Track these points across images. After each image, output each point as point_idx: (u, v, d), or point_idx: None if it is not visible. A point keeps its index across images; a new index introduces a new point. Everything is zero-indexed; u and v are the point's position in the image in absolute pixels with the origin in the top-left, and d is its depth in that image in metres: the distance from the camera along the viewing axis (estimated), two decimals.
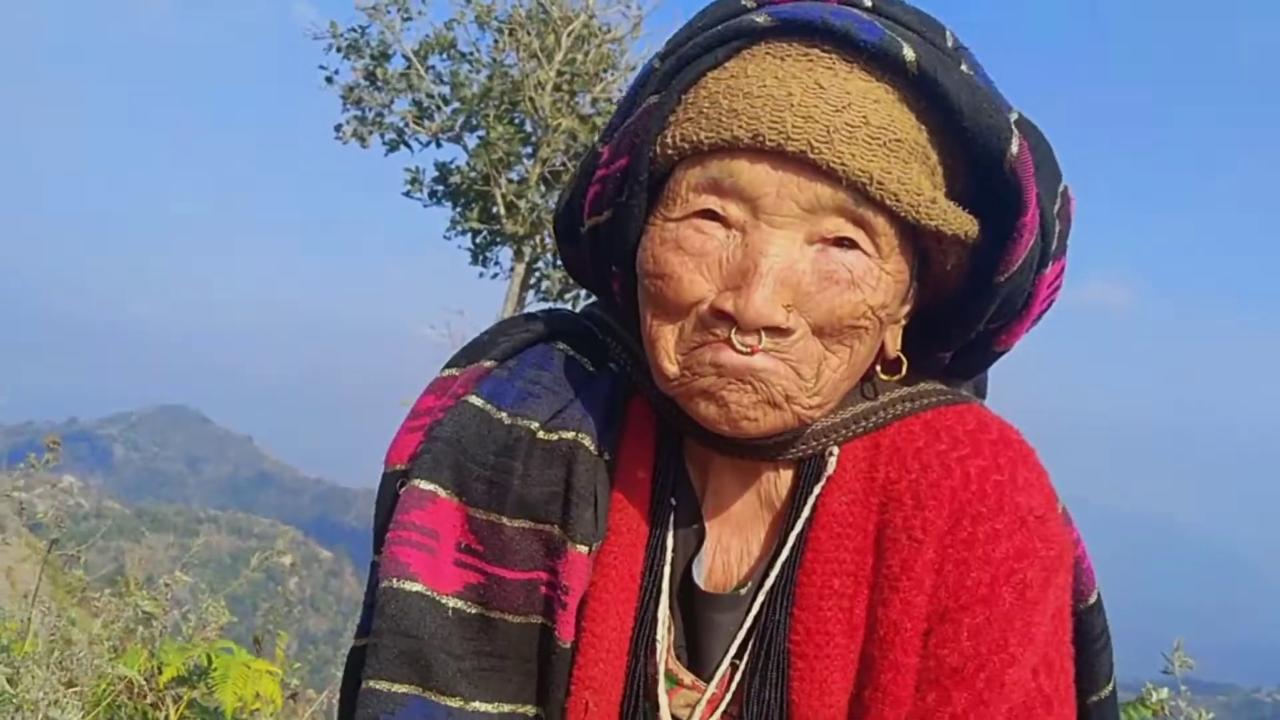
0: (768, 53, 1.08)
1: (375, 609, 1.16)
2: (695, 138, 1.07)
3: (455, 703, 1.16)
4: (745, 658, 1.18)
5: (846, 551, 1.16)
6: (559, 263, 13.91)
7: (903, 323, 1.19)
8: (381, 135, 13.76)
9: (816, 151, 1.02)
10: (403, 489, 1.20)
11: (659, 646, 1.20)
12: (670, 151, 1.10)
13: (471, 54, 13.56)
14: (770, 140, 1.03)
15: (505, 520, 1.18)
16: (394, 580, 1.16)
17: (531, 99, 12.94)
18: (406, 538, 1.17)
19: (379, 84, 13.52)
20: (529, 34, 12.97)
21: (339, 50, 13.41)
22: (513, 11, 13.17)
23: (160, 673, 3.82)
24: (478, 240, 14.20)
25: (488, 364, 1.27)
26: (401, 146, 13.80)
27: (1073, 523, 1.25)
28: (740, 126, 1.04)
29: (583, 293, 13.54)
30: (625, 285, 1.20)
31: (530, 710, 1.21)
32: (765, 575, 1.19)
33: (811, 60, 1.06)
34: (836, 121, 1.02)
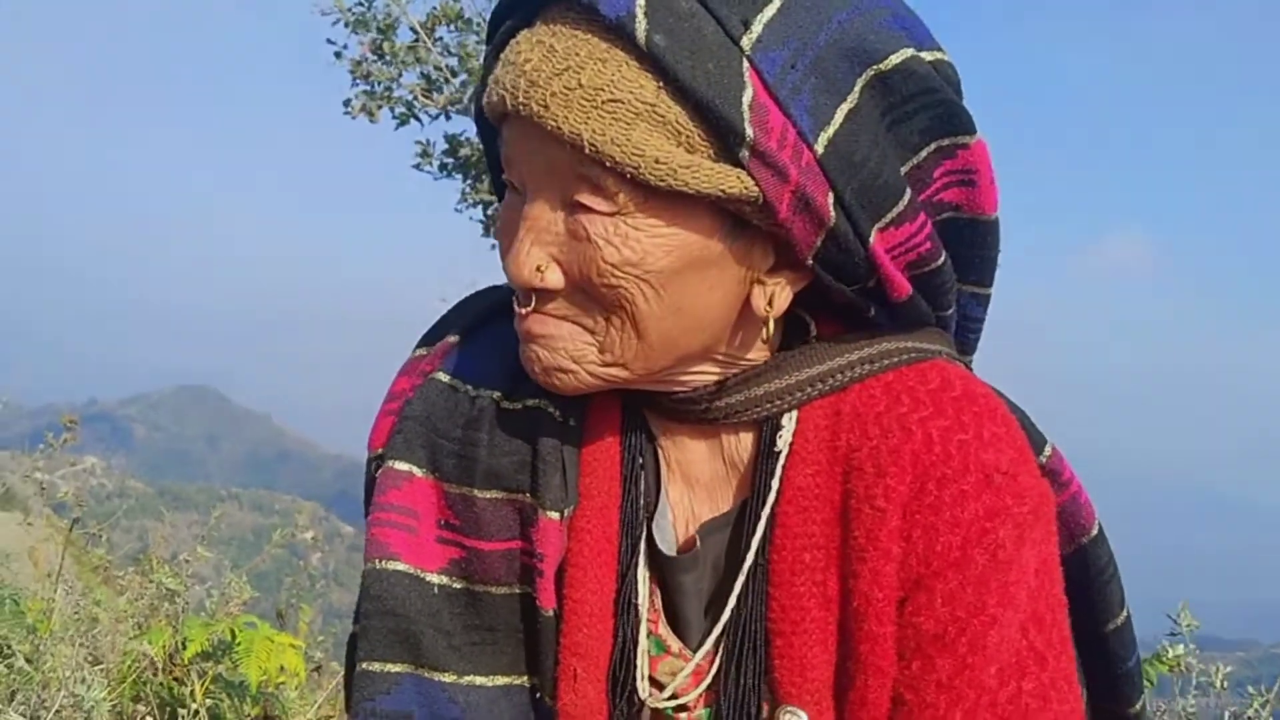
0: (542, 20, 1.07)
1: (362, 592, 1.18)
2: (485, 108, 1.11)
3: (449, 678, 1.18)
4: (716, 634, 1.18)
5: (815, 525, 1.15)
6: None
7: (777, 280, 1.13)
8: (391, 109, 13.71)
9: (539, 116, 1.02)
10: (379, 471, 1.22)
11: (641, 610, 1.21)
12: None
13: (478, 24, 13.49)
14: (510, 106, 1.04)
15: (476, 493, 1.19)
16: (377, 561, 1.17)
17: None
18: (387, 519, 1.19)
19: (386, 58, 13.47)
20: None
21: (346, 25, 13.37)
22: None
23: (184, 648, 3.85)
24: (489, 212, 14.16)
25: (452, 339, 1.28)
26: (411, 120, 13.77)
27: (1063, 461, 1.24)
28: (494, 94, 1.07)
29: None
30: None
31: (528, 681, 1.22)
32: (736, 547, 1.19)
33: (563, 24, 1.05)
34: (555, 85, 1.02)
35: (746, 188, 1.04)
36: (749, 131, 1.02)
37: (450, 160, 13.95)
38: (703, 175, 1.03)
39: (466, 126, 13.74)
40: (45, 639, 3.30)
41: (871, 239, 1.09)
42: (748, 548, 1.17)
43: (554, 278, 1.08)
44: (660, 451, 1.25)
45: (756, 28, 1.04)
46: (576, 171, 1.04)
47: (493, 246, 14.16)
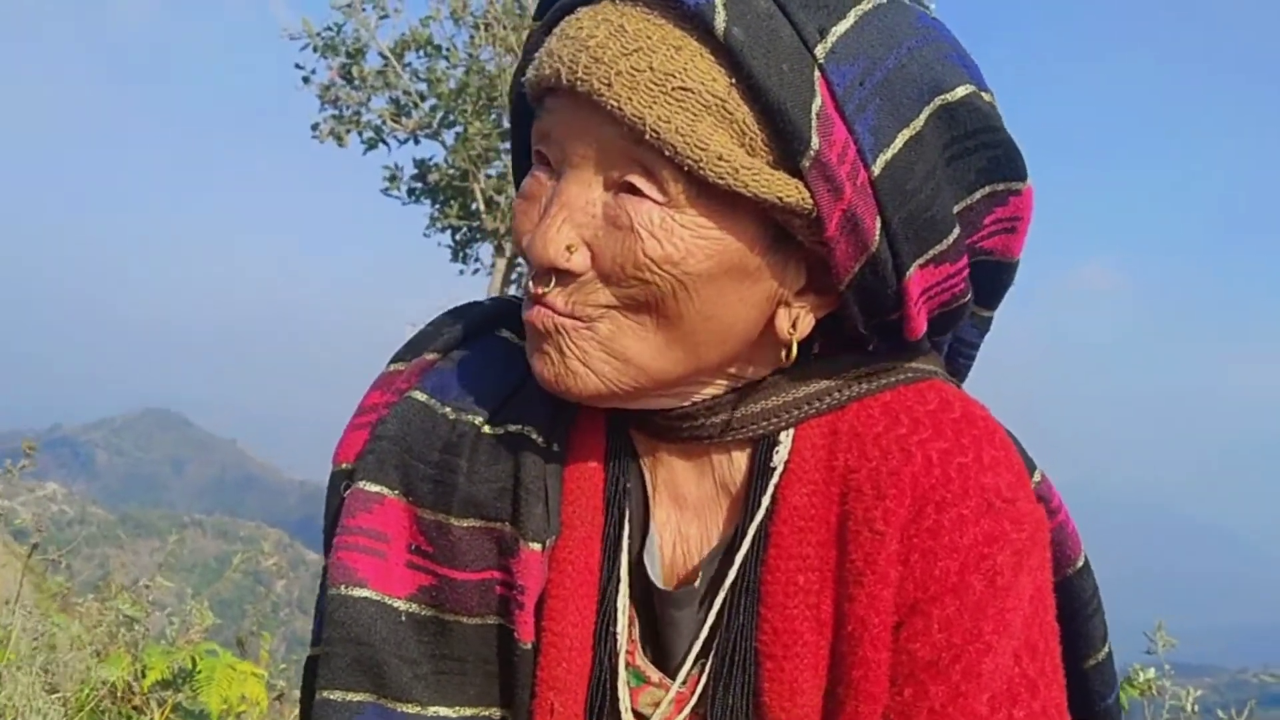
0: (610, 1, 1.04)
1: (325, 618, 1.13)
2: (526, 77, 1.08)
3: (412, 709, 1.13)
4: (710, 656, 1.15)
5: (810, 546, 1.12)
6: None
7: (802, 304, 1.10)
8: (359, 133, 13.70)
9: (598, 94, 0.99)
10: (347, 491, 1.17)
11: (619, 640, 1.17)
12: (527, 93, 1.10)
13: (448, 50, 13.51)
14: (566, 80, 1.01)
15: (453, 521, 1.14)
16: (342, 587, 1.13)
17: (508, 93, 12.89)
18: (354, 543, 1.14)
19: (355, 82, 13.46)
20: (505, 29, 12.92)
21: (315, 49, 13.35)
22: (488, 7, 13.12)
23: (144, 676, 3.79)
24: (457, 237, 14.15)
25: (430, 356, 1.23)
26: (379, 144, 13.75)
27: (1053, 489, 1.22)
28: (549, 67, 1.03)
29: None
30: None
31: (495, 713, 1.17)
32: (725, 570, 1.15)
33: (636, 6, 1.02)
34: (623, 64, 0.99)
35: (802, 199, 1.01)
36: (814, 140, 0.99)
37: (419, 185, 13.97)
38: (762, 179, 1.00)
39: (435, 151, 13.77)
40: (2, 666, 3.23)
41: (910, 273, 1.07)
42: (731, 564, 1.14)
43: (580, 260, 1.04)
44: (647, 474, 1.21)
45: (831, 38, 1.02)
46: (630, 155, 1.01)
47: (461, 272, 14.15)
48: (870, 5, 1.05)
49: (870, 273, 1.06)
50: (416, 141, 13.76)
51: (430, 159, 13.89)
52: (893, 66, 1.03)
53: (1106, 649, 1.29)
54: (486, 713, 1.17)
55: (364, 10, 13.16)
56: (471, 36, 13.33)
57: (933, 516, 1.08)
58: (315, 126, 13.68)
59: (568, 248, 1.03)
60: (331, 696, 1.12)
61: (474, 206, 13.49)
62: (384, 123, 13.63)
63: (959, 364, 1.30)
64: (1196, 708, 3.57)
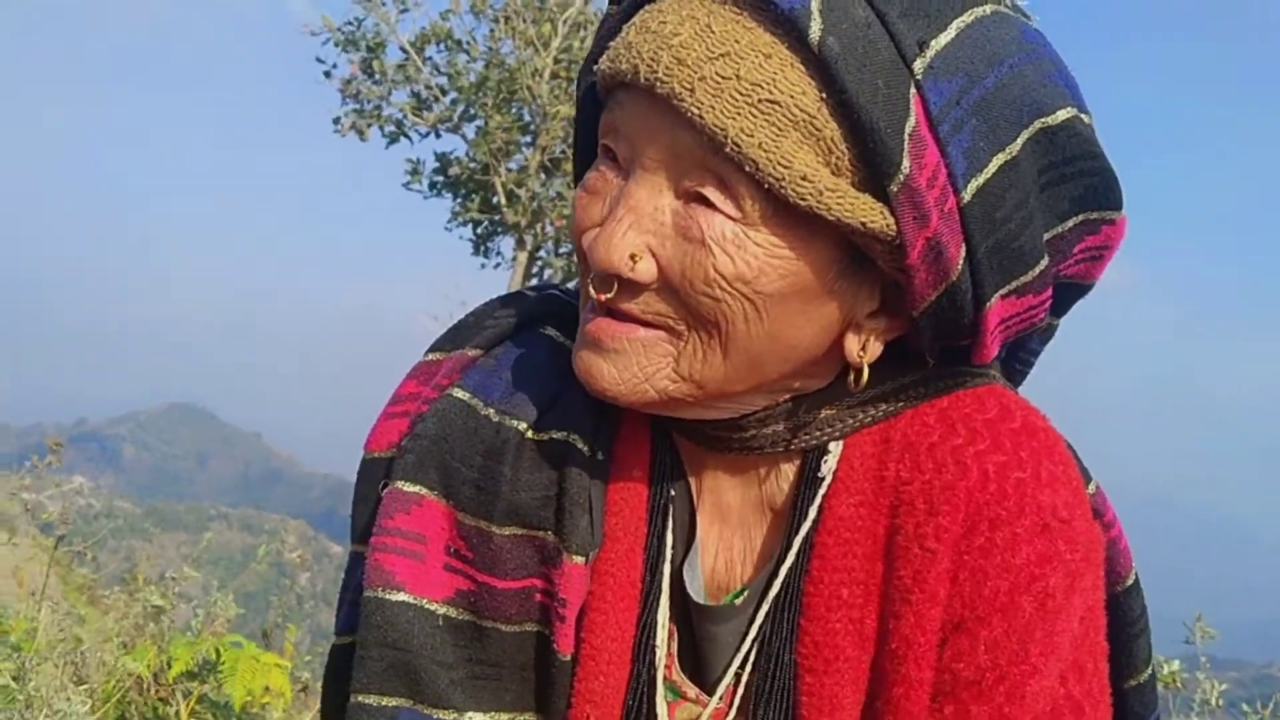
0: None
1: (361, 620, 1.11)
2: (600, 68, 1.02)
3: (448, 715, 1.11)
4: (748, 670, 1.12)
5: (855, 559, 1.07)
6: (560, 251, 13.95)
7: (872, 327, 1.06)
8: (380, 127, 13.75)
9: (679, 98, 0.93)
10: (385, 490, 1.14)
11: (658, 654, 1.14)
12: (597, 83, 1.04)
13: (468, 44, 13.53)
14: (645, 79, 0.95)
15: (494, 528, 1.11)
16: (379, 590, 1.10)
17: (529, 87, 12.91)
18: (391, 544, 1.11)
19: (376, 76, 13.51)
20: (525, 22, 12.93)
21: (336, 44, 13.40)
22: (508, 0, 13.13)
23: (170, 668, 3.82)
24: (479, 231, 14.19)
25: (472, 352, 1.19)
26: (401, 138, 13.79)
27: (1107, 502, 1.17)
28: (627, 61, 0.97)
29: None
30: None
31: (529, 719, 1.15)
32: (769, 582, 1.12)
33: (724, 5, 0.96)
34: (707, 69, 0.93)
35: (886, 224, 0.96)
36: (905, 163, 0.94)
37: (440, 179, 14.01)
38: (846, 203, 0.95)
39: (456, 145, 13.81)
40: (30, 658, 3.27)
41: (990, 304, 1.02)
42: (775, 575, 1.11)
43: (646, 270, 0.99)
44: (692, 484, 1.18)
45: (930, 52, 0.95)
46: (706, 165, 0.96)
47: (482, 265, 14.18)
48: (972, 17, 0.99)
49: (947, 301, 1.01)
50: (438, 135, 13.80)
51: (451, 153, 13.93)
52: (992, 85, 0.97)
53: (1149, 671, 1.25)
54: (521, 719, 1.15)
55: (384, 5, 13.20)
56: (492, 30, 13.36)
57: (985, 534, 1.04)
58: (336, 121, 13.74)
59: (632, 256, 0.98)
60: (366, 701, 1.10)
61: (495, 200, 13.51)
62: (405, 117, 13.67)
63: (1015, 369, 1.25)
64: (1222, 701, 3.54)
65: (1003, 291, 1.03)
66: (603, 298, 1.01)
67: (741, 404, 1.08)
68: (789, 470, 1.14)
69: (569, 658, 1.12)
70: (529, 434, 1.13)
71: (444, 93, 13.62)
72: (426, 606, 1.11)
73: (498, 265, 14.32)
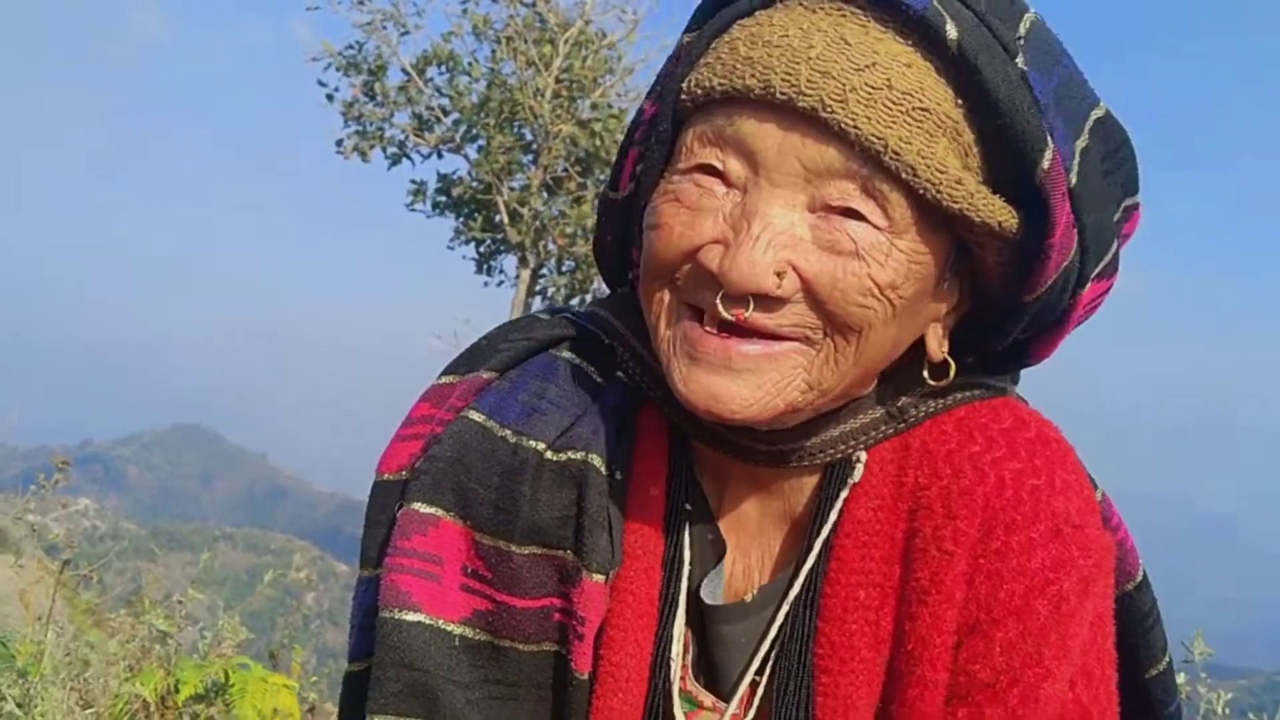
0: (801, 4, 0.99)
1: (377, 641, 1.10)
2: (708, 84, 1.00)
3: None
4: (766, 673, 1.13)
5: (873, 561, 1.09)
6: (563, 269, 13.97)
7: (945, 323, 1.09)
8: (383, 149, 13.79)
9: (829, 110, 0.93)
10: (400, 512, 1.13)
11: (673, 666, 1.15)
12: (685, 98, 1.03)
13: (469, 65, 13.57)
14: (781, 93, 0.94)
15: (514, 548, 1.11)
16: (395, 611, 1.09)
17: (531, 107, 12.95)
18: (407, 565, 1.11)
19: (378, 99, 13.55)
20: (526, 42, 12.98)
21: (337, 69, 13.45)
22: (509, 21, 13.19)
23: (177, 691, 3.82)
24: (482, 250, 14.21)
25: (487, 375, 1.19)
26: (403, 159, 13.82)
27: (1113, 507, 1.19)
28: (752, 75, 0.96)
29: (588, 298, 13.55)
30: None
31: None
32: (788, 586, 1.13)
33: (844, 15, 0.97)
34: (856, 80, 0.93)
35: (1013, 221, 0.99)
36: (1050, 147, 0.96)
37: (443, 199, 14.04)
38: (990, 203, 0.98)
39: (458, 165, 13.85)
40: (36, 682, 3.27)
41: (1086, 285, 1.06)
42: (795, 577, 1.12)
43: (791, 285, 0.98)
44: (709, 498, 1.19)
45: (1021, 45, 0.99)
46: (852, 176, 0.96)
47: (485, 284, 14.20)
48: (1032, 15, 1.03)
49: (1060, 283, 1.04)
50: (440, 156, 13.84)
51: (454, 173, 13.97)
52: (1061, 79, 1.01)
53: (1167, 659, 1.27)
54: None
55: (384, 28, 13.25)
56: (493, 51, 13.41)
57: (1001, 538, 1.06)
58: (339, 143, 13.78)
59: (777, 274, 0.97)
60: None
61: (498, 219, 13.54)
62: (407, 138, 13.71)
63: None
64: (1228, 710, 3.54)
65: (1095, 273, 1.06)
66: (741, 316, 0.99)
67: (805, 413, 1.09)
68: (810, 483, 1.15)
69: (586, 676, 1.12)
70: (547, 454, 1.13)
71: (445, 113, 13.66)
72: (443, 627, 1.11)
73: (500, 283, 14.35)
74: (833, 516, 1.12)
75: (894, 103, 0.94)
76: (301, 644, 5.65)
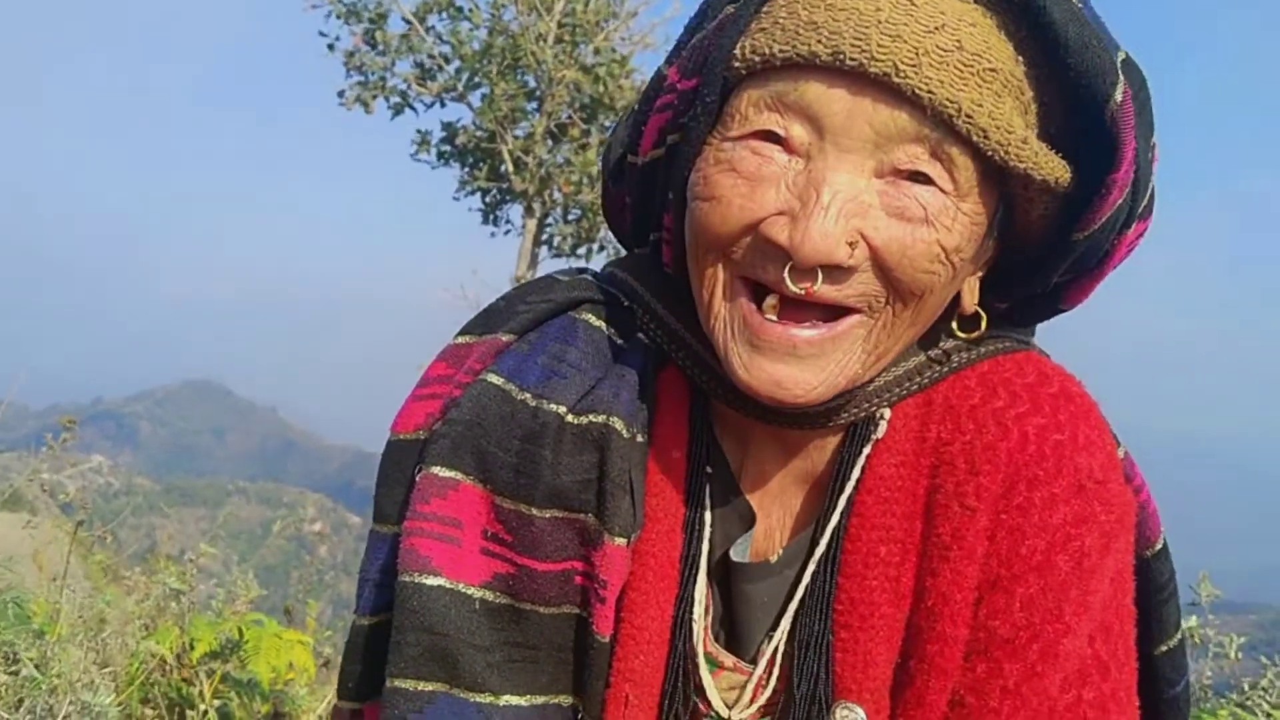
0: None
1: (396, 605, 1.10)
2: (767, 50, 0.97)
3: (485, 698, 1.10)
4: (783, 630, 1.13)
5: (894, 517, 1.09)
6: (569, 217, 13.91)
7: (977, 274, 1.09)
8: (385, 99, 13.68)
9: (902, 75, 0.92)
10: (419, 475, 1.12)
11: (695, 629, 1.15)
12: (738, 65, 0.99)
13: (470, 11, 13.44)
14: (851, 59, 0.92)
15: (535, 511, 1.11)
16: (415, 575, 1.09)
17: (533, 53, 12.82)
18: (426, 529, 1.10)
19: (379, 48, 13.43)
20: None
21: (338, 17, 13.32)
22: None
23: (192, 649, 3.85)
24: (487, 199, 14.14)
25: (505, 337, 1.18)
26: (406, 109, 13.72)
27: (1135, 467, 1.18)
28: (819, 41, 0.94)
29: (594, 246, 13.49)
30: (678, 221, 1.10)
31: (565, 700, 1.15)
32: (812, 544, 1.12)
33: None
34: (927, 44, 0.92)
35: (1067, 174, 0.99)
36: (1119, 88, 0.95)
37: (448, 148, 13.96)
38: (1047, 161, 0.97)
39: (462, 114, 13.76)
40: (52, 643, 3.29)
41: (1133, 225, 1.06)
42: (820, 534, 1.11)
43: (861, 255, 0.97)
44: (730, 459, 1.18)
45: None
46: (927, 141, 0.94)
47: (493, 234, 14.15)
48: None
49: (1111, 222, 1.03)
50: (443, 105, 13.72)
51: (457, 122, 13.87)
52: (1095, 16, 1.00)
53: (1179, 636, 1.25)
54: (557, 700, 1.15)
55: None
56: None
57: (1024, 494, 1.05)
58: (341, 94, 13.67)
59: (849, 243, 0.96)
60: (403, 685, 1.09)
61: (503, 168, 13.46)
62: (409, 87, 13.60)
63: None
64: (1240, 655, 3.54)
65: (1139, 211, 1.06)
66: (810, 290, 0.97)
67: None
68: (833, 440, 1.15)
69: (607, 639, 1.12)
70: (568, 418, 1.12)
71: (448, 61, 13.54)
72: (463, 591, 1.10)
73: (507, 233, 14.29)
74: (855, 473, 1.11)
75: (965, 65, 0.92)
76: (315, 596, 5.69)
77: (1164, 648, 1.24)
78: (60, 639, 3.36)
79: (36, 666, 3.06)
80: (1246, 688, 3.58)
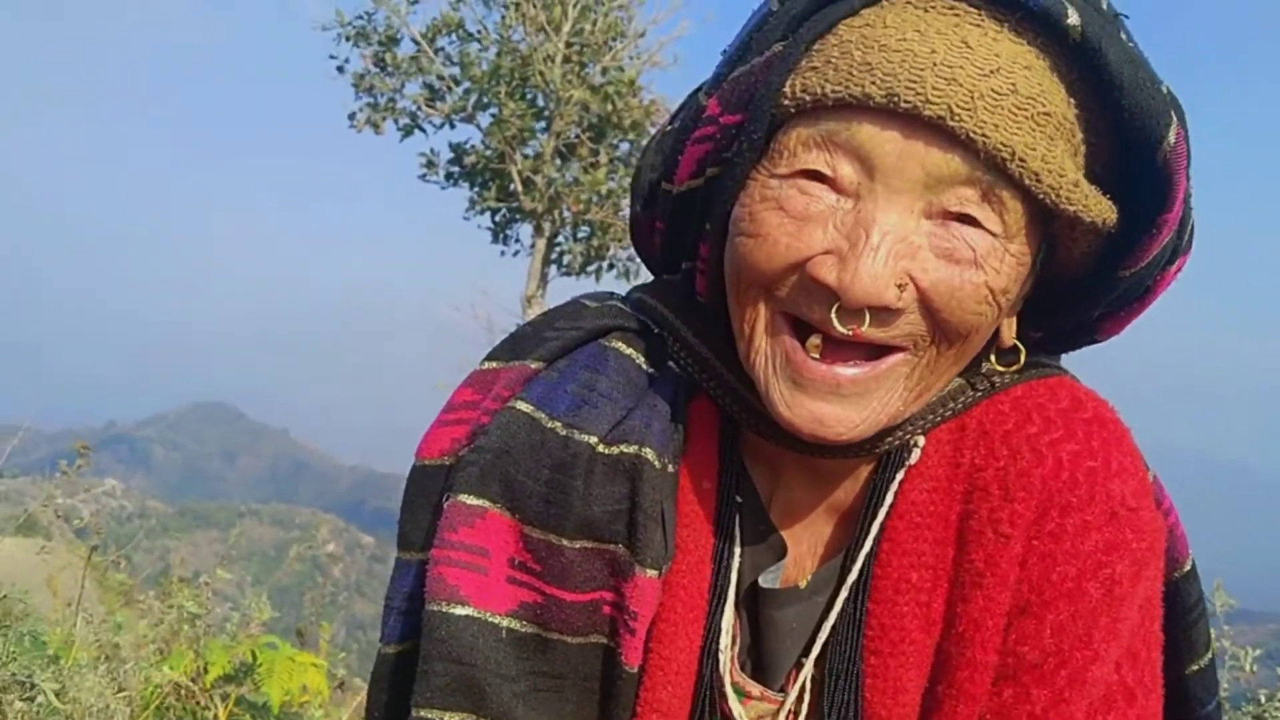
0: (909, 2, 0.96)
1: (424, 634, 1.08)
2: (820, 90, 0.96)
3: None
4: (813, 657, 1.12)
5: (926, 543, 1.08)
6: (579, 236, 13.92)
7: (1015, 308, 1.08)
8: (395, 120, 13.74)
9: (957, 118, 0.91)
10: (447, 503, 1.11)
11: (723, 658, 1.14)
12: (788, 103, 0.98)
13: (479, 32, 13.50)
14: (906, 101, 0.91)
15: (565, 541, 1.10)
16: (442, 604, 1.08)
17: (541, 73, 12.87)
18: (454, 558, 1.09)
19: (389, 69, 13.49)
20: (535, 7, 12.88)
21: (347, 39, 13.40)
22: None
23: (206, 672, 3.85)
24: (497, 219, 14.16)
25: (534, 364, 1.16)
26: (415, 130, 13.78)
27: (1164, 489, 1.17)
28: (873, 83, 0.93)
29: (604, 265, 13.51)
30: (715, 252, 1.09)
31: None
32: (843, 570, 1.12)
33: (958, 15, 0.94)
34: (982, 87, 0.91)
35: (1113, 215, 0.98)
36: (1173, 129, 0.95)
37: (456, 169, 14.00)
38: (1096, 204, 0.97)
39: (471, 135, 13.79)
40: (68, 670, 3.30)
41: (1177, 260, 1.06)
42: (853, 561, 1.10)
43: (910, 297, 0.97)
44: (759, 486, 1.17)
45: (1120, 20, 0.97)
46: (979, 184, 0.94)
47: (502, 253, 14.18)
48: None
49: (1157, 259, 1.03)
50: (452, 126, 13.77)
51: (466, 142, 13.91)
52: (1142, 50, 1.00)
53: (1209, 655, 1.25)
54: None
55: None
56: (502, 17, 13.31)
57: (1056, 520, 1.05)
58: (352, 116, 13.74)
59: (898, 285, 0.95)
60: (429, 716, 1.08)
61: (512, 188, 13.49)
62: (419, 108, 13.65)
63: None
64: (1256, 668, 3.51)
65: (1183, 245, 1.06)
66: (858, 331, 0.97)
67: None
68: (865, 468, 1.14)
69: (636, 669, 1.11)
70: (600, 448, 1.11)
71: (457, 83, 13.59)
72: (490, 620, 1.09)
73: (517, 253, 14.31)
74: (888, 500, 1.10)
75: (1019, 108, 0.92)
76: (329, 618, 5.69)
77: (1195, 667, 1.23)
78: (76, 665, 3.37)
79: (56, 695, 3.07)
80: (1263, 699, 3.55)
